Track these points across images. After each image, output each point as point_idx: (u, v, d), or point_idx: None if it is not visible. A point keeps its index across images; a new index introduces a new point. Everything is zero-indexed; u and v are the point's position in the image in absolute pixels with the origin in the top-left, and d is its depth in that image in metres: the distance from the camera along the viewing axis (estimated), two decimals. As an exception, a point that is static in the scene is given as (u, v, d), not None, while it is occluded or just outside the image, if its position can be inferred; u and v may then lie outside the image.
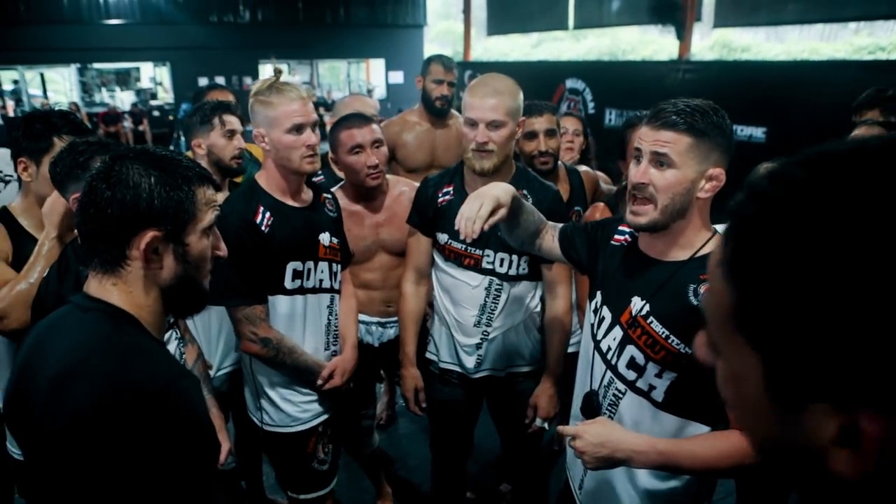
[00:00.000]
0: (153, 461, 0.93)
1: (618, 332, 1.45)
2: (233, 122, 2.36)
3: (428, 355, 2.26)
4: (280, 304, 1.93)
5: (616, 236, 1.57)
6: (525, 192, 2.00)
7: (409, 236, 2.17)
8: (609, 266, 1.54)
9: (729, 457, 1.27)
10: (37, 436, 0.98)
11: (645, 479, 1.45)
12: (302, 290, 1.95)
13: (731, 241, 0.48)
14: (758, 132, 6.89)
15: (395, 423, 3.55)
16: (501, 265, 2.01)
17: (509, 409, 2.20)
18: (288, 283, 1.91)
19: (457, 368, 2.17)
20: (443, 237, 2.07)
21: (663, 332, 1.36)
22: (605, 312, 1.50)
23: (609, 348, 1.47)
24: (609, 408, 1.48)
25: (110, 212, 1.01)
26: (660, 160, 1.32)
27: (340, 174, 2.32)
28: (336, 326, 2.10)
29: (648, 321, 1.39)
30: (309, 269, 1.95)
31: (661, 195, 1.33)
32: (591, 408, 1.51)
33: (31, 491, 1.07)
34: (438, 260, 2.13)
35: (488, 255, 2.01)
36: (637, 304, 1.42)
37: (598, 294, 1.54)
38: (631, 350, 1.42)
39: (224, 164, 2.35)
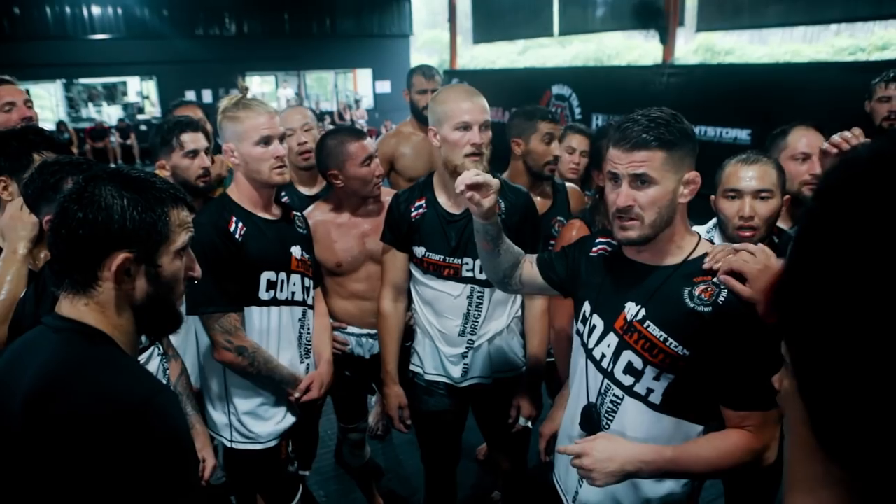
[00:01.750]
0: (131, 477, 0.93)
1: (612, 339, 1.45)
2: (194, 140, 2.28)
3: (412, 368, 2.25)
4: (254, 315, 1.93)
5: (594, 248, 1.59)
6: (497, 197, 2.02)
7: (384, 253, 2.16)
8: (593, 276, 1.55)
9: (731, 456, 1.32)
10: (11, 457, 0.97)
11: (644, 485, 1.45)
12: (276, 302, 1.95)
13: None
14: (742, 134, 6.94)
15: (389, 433, 3.53)
16: (482, 272, 2.01)
17: (497, 415, 2.19)
18: (262, 294, 1.92)
19: (443, 379, 2.17)
20: (420, 250, 2.06)
21: (661, 336, 1.38)
22: (597, 321, 1.50)
23: (603, 355, 1.47)
24: (607, 415, 1.47)
25: (82, 233, 1.00)
26: (640, 180, 1.34)
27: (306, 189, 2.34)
28: (308, 341, 2.10)
29: (645, 325, 1.40)
30: (282, 281, 1.96)
31: (647, 212, 1.35)
32: (591, 421, 1.50)
33: None
34: (417, 273, 2.12)
35: (468, 264, 2.02)
36: (632, 309, 1.43)
37: (586, 304, 1.54)
38: (628, 355, 1.42)
39: (190, 185, 2.24)
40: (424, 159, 3.26)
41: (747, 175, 1.81)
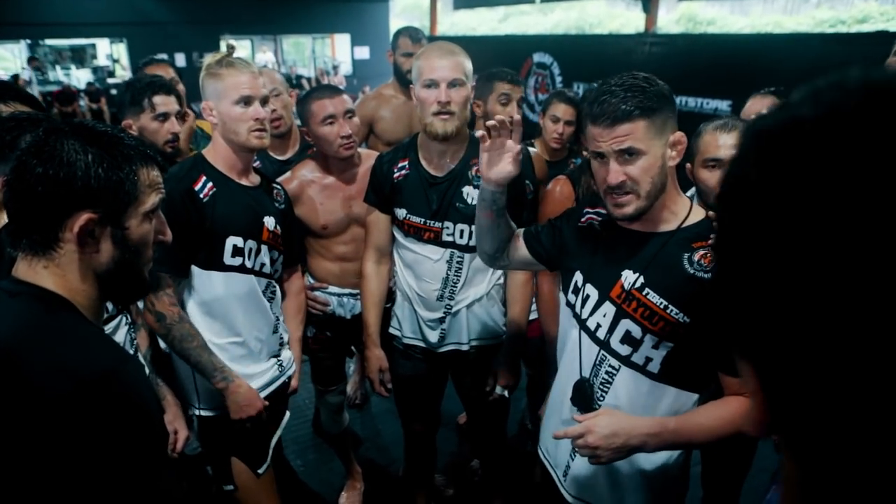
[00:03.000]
0: (96, 453, 0.88)
1: (608, 308, 1.43)
2: (166, 103, 2.21)
3: (391, 331, 2.23)
4: (216, 281, 1.84)
5: (583, 218, 1.55)
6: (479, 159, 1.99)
7: (367, 215, 2.13)
8: (584, 246, 1.52)
9: (732, 423, 1.31)
10: None
11: (639, 457, 1.43)
12: (244, 269, 1.87)
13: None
14: (723, 105, 6.94)
15: (367, 402, 3.52)
16: (461, 237, 1.99)
17: (475, 382, 2.19)
18: (227, 259, 1.84)
19: (420, 343, 2.16)
20: (401, 212, 2.03)
21: (661, 303, 1.36)
22: (590, 290, 1.47)
23: (599, 325, 1.45)
24: (602, 387, 1.45)
25: (41, 189, 0.93)
26: (626, 153, 1.30)
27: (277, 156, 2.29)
28: (278, 316, 2.03)
29: (644, 293, 1.38)
30: (251, 249, 1.87)
31: (641, 184, 1.32)
32: (584, 396, 1.48)
33: None
34: (398, 236, 2.10)
35: (448, 228, 1.99)
36: (629, 277, 1.40)
37: (578, 274, 1.51)
38: (626, 324, 1.40)
39: (157, 149, 2.21)
40: (404, 123, 3.21)
41: (727, 143, 1.77)
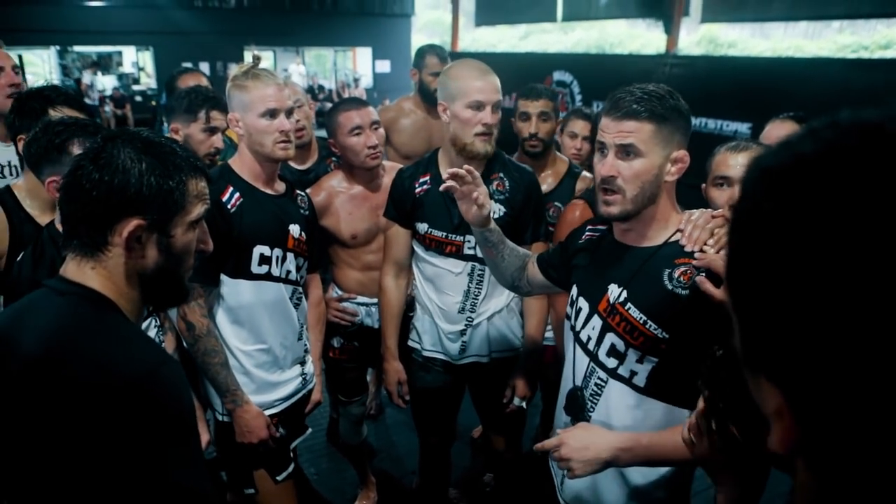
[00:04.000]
0: (133, 448, 0.91)
1: (596, 321, 1.45)
2: (218, 119, 2.30)
3: (410, 343, 2.25)
4: (243, 289, 1.88)
5: (584, 235, 1.59)
6: (501, 174, 2.02)
7: (387, 229, 2.16)
8: (582, 260, 1.55)
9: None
10: (5, 421, 0.95)
11: (632, 472, 1.44)
12: (270, 277, 1.90)
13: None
14: (743, 127, 6.93)
15: (382, 412, 3.54)
16: None
17: (492, 394, 2.20)
18: (254, 267, 1.87)
19: (441, 356, 2.17)
20: (423, 227, 2.06)
21: (641, 318, 1.36)
22: (582, 303, 1.50)
23: (589, 338, 1.47)
24: (592, 398, 1.47)
25: (95, 194, 0.98)
26: (626, 150, 1.32)
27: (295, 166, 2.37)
28: (302, 324, 2.06)
29: (626, 307, 1.39)
30: (277, 257, 1.91)
31: (629, 185, 1.33)
32: (576, 405, 1.51)
33: None
34: (419, 250, 2.12)
35: (469, 241, 2.01)
36: (614, 291, 1.42)
37: (574, 287, 1.54)
38: (611, 338, 1.42)
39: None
40: (422, 138, 3.23)
41: (737, 162, 1.81)
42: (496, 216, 2.00)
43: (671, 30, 8.05)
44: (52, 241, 1.58)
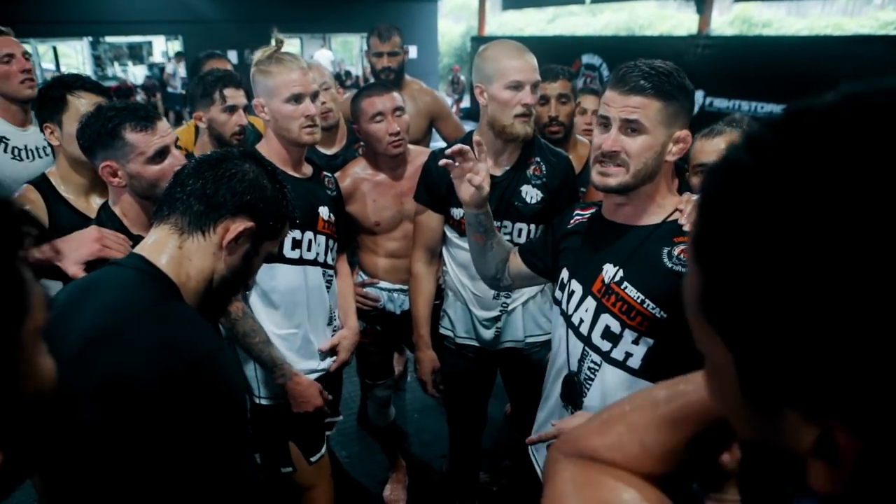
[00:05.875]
0: (189, 428, 0.92)
1: (590, 303, 1.42)
2: (234, 96, 2.31)
3: (442, 331, 2.25)
4: (282, 273, 1.90)
5: (572, 220, 1.56)
6: (538, 159, 1.99)
7: (418, 214, 2.14)
8: (571, 243, 1.52)
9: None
10: (64, 395, 0.96)
11: None
12: (302, 261, 1.93)
13: (699, 218, 0.42)
14: (778, 109, 6.75)
15: (402, 396, 3.56)
16: (519, 235, 2.00)
17: (526, 378, 2.20)
18: (287, 252, 1.89)
19: (474, 343, 2.17)
20: (458, 212, 2.03)
21: (638, 297, 1.34)
22: (575, 285, 1.47)
23: (582, 321, 1.44)
24: (586, 382, 1.45)
25: (235, 182, 1.04)
26: (631, 126, 1.30)
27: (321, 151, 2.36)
28: (332, 307, 2.08)
29: (623, 287, 1.37)
30: (309, 240, 1.93)
31: (633, 161, 1.31)
32: (573, 392, 1.48)
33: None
34: (452, 236, 2.10)
35: (506, 227, 1.99)
36: (609, 271, 1.39)
37: (564, 270, 1.52)
38: (606, 319, 1.39)
39: (225, 140, 2.32)
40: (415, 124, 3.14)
41: (711, 149, 1.82)
42: (532, 201, 1.98)
43: (703, 10, 7.86)
44: (109, 221, 1.62)
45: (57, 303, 1.03)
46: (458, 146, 1.49)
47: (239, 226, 1.04)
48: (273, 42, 1.87)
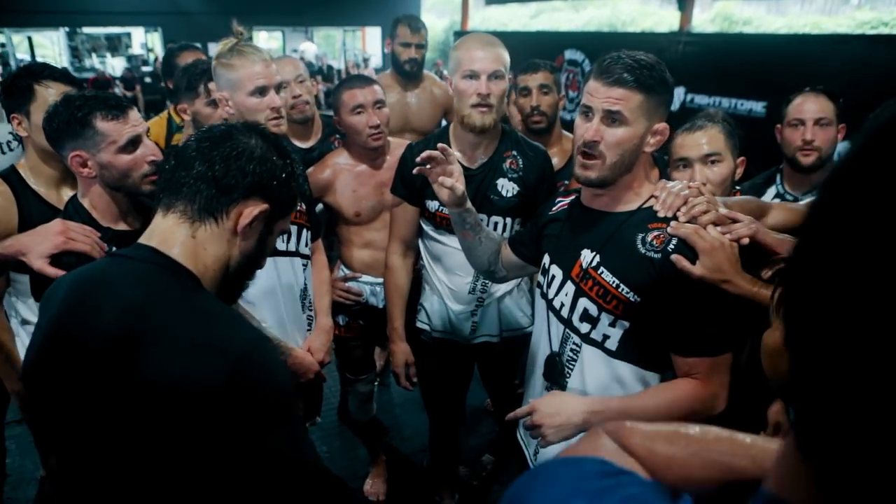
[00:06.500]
0: (237, 431, 0.87)
1: (570, 287, 1.47)
2: None
3: (419, 325, 2.24)
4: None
5: (553, 208, 1.60)
6: (514, 153, 1.99)
7: (394, 206, 2.13)
8: (552, 230, 1.56)
9: (679, 405, 1.32)
10: (88, 398, 0.90)
11: None
12: (278, 252, 1.91)
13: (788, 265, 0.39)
14: (758, 107, 6.82)
15: (382, 391, 3.55)
16: (495, 229, 2.00)
17: (503, 373, 2.20)
18: None
19: (451, 337, 2.16)
20: (433, 204, 2.03)
21: (613, 282, 1.38)
22: (555, 270, 1.51)
23: (562, 304, 1.49)
24: (568, 363, 1.49)
25: (244, 161, 0.99)
26: (612, 117, 1.32)
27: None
28: (309, 292, 2.08)
29: (599, 272, 1.40)
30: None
31: (610, 152, 1.34)
32: (555, 371, 1.52)
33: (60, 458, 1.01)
34: (428, 228, 2.09)
35: (482, 220, 1.98)
36: (587, 256, 1.43)
37: (546, 256, 1.56)
38: (584, 302, 1.43)
39: None
40: (399, 115, 3.13)
41: (691, 143, 1.83)
42: (508, 195, 1.97)
43: (685, 7, 7.90)
44: (77, 214, 1.58)
45: (57, 302, 0.98)
46: (427, 152, 1.52)
47: (253, 209, 1.00)
48: (234, 34, 1.83)
